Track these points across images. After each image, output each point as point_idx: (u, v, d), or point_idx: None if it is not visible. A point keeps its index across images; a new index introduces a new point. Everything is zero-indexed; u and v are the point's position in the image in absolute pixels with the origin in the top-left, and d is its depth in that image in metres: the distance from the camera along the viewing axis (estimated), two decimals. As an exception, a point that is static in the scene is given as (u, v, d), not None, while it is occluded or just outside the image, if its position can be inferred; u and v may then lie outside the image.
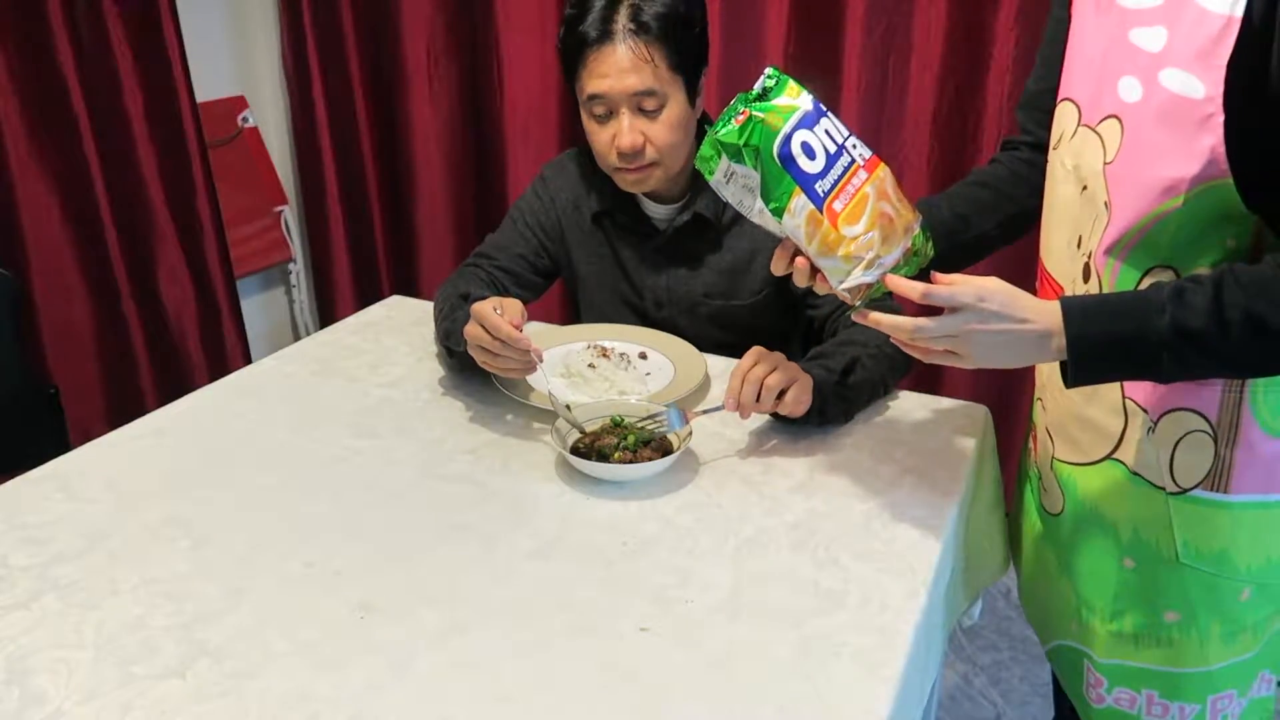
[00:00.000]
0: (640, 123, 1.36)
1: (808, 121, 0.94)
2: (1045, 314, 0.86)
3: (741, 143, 0.93)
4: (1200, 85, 0.80)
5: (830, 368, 1.24)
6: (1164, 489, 0.92)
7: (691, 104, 1.39)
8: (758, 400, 1.16)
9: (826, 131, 0.94)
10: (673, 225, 1.48)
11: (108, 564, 0.98)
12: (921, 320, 0.88)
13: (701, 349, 1.47)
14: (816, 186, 0.93)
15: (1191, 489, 0.91)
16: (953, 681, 2.01)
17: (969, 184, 1.16)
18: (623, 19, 1.31)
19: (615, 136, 1.36)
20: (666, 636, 0.89)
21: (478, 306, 1.19)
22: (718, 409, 1.19)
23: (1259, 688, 1.00)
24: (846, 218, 0.93)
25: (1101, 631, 1.00)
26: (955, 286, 0.87)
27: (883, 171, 0.96)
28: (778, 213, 0.94)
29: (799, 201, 0.93)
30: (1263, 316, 0.79)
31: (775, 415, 1.22)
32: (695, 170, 1.44)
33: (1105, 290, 0.91)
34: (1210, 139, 0.80)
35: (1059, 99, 0.99)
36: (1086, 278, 0.94)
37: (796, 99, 0.94)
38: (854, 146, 0.95)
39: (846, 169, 0.94)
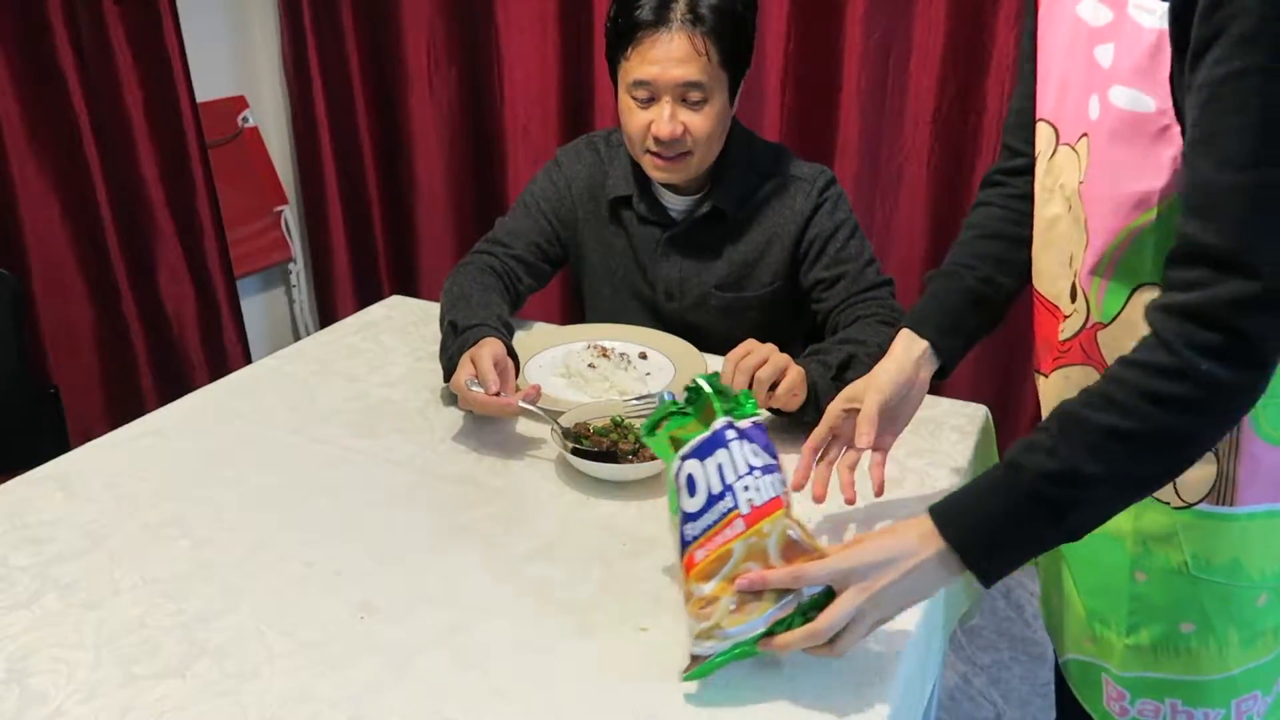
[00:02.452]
0: (682, 113, 1.35)
1: (702, 451, 0.85)
2: (923, 534, 0.82)
3: (654, 444, 0.91)
4: (1149, 99, 0.79)
5: (827, 363, 1.24)
6: (1169, 504, 0.92)
7: (731, 102, 1.39)
8: (751, 389, 1.16)
9: (720, 466, 0.84)
10: (690, 217, 1.49)
11: (108, 564, 0.98)
12: (821, 622, 0.80)
13: (708, 342, 1.47)
14: (687, 529, 0.84)
15: (1197, 503, 0.90)
16: (953, 681, 2.01)
17: (977, 238, 1.08)
18: (681, 7, 1.30)
19: (653, 123, 1.35)
20: (666, 636, 0.89)
21: (455, 384, 1.21)
22: None
23: None
24: (699, 573, 0.82)
25: (1119, 645, 0.99)
26: (824, 561, 0.82)
27: (769, 525, 0.81)
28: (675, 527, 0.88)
29: (677, 534, 0.86)
30: (1115, 426, 0.75)
31: (771, 409, 1.22)
32: (716, 164, 1.45)
33: (1093, 309, 0.90)
34: (1171, 150, 0.78)
35: (1036, 119, 0.97)
36: (1074, 297, 0.93)
37: (707, 423, 0.87)
38: (746, 489, 0.82)
39: (723, 516, 0.82)
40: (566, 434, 1.17)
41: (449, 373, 1.27)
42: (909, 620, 0.92)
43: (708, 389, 0.89)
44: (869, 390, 1.02)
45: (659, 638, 0.89)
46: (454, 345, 1.27)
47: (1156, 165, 0.80)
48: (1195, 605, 0.94)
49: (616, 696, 0.82)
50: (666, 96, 1.34)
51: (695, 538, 0.84)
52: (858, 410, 1.02)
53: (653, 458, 1.14)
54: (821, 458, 1.06)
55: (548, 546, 1.03)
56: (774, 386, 1.17)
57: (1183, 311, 0.74)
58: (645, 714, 0.81)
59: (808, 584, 0.81)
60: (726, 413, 0.87)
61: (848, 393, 1.05)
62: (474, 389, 1.18)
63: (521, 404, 1.19)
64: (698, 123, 1.35)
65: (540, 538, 1.04)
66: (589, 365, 1.39)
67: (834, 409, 1.05)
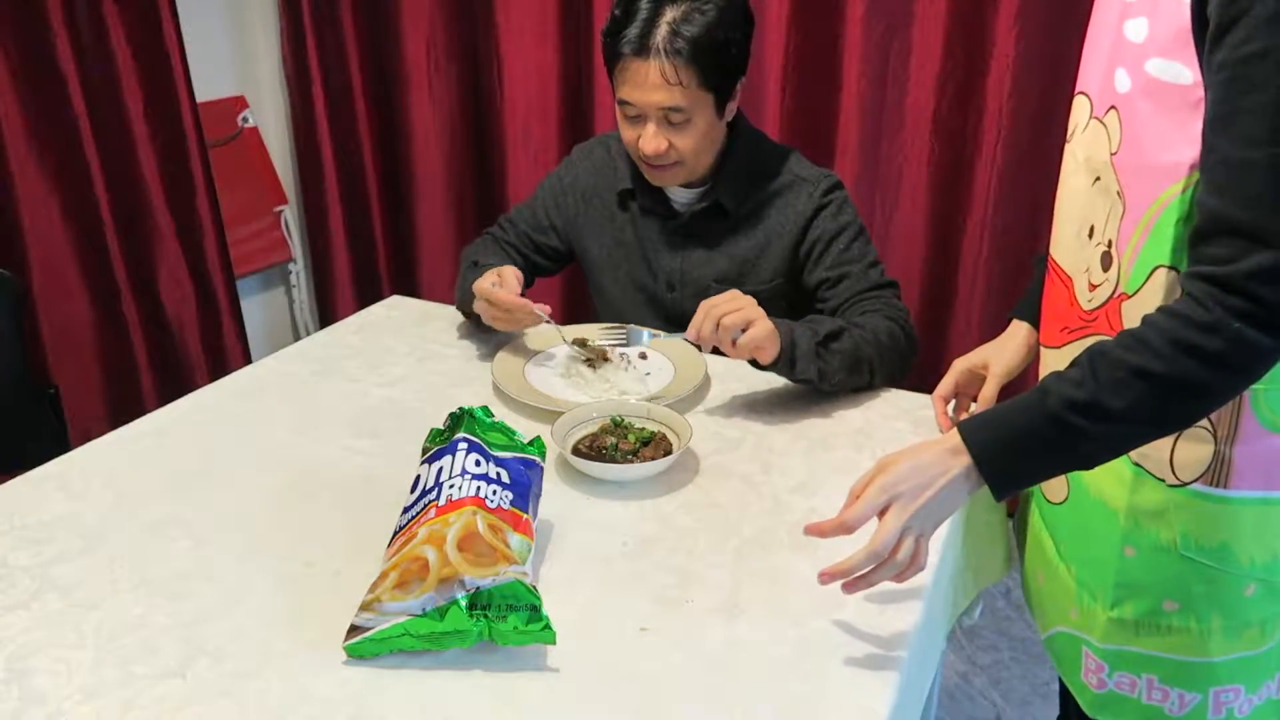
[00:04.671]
0: (666, 131, 1.39)
1: (431, 457, 0.97)
2: (950, 449, 0.87)
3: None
4: (1187, 71, 0.81)
5: (815, 330, 1.29)
6: (1164, 481, 0.93)
7: (720, 113, 1.42)
8: (717, 333, 1.22)
9: (440, 469, 0.94)
10: (691, 210, 1.51)
11: (108, 564, 0.98)
12: (875, 541, 0.85)
13: None
14: (400, 519, 0.93)
15: (1191, 483, 0.91)
16: (953, 681, 2.01)
17: None
18: (661, 36, 1.33)
19: (641, 138, 1.40)
20: (666, 636, 0.89)
21: (478, 285, 1.37)
22: (680, 334, 1.27)
23: (1273, 688, 0.99)
24: (391, 554, 0.88)
25: (1102, 618, 1.00)
26: (866, 487, 0.87)
27: (456, 516, 0.88)
28: None
29: None
30: (1143, 366, 0.79)
31: (752, 363, 1.28)
32: (719, 161, 1.48)
33: (1123, 279, 0.92)
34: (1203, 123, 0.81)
35: (1075, 92, 1.00)
36: (1106, 266, 0.95)
37: (451, 435, 0.99)
38: (452, 486, 0.91)
39: (423, 508, 0.90)
40: (566, 433, 1.18)
41: (465, 303, 1.41)
42: (909, 620, 0.92)
43: (462, 413, 1.00)
44: (993, 375, 1.20)
45: (659, 638, 0.89)
46: (473, 274, 1.41)
47: (1189, 137, 0.82)
48: (1181, 585, 0.95)
49: (616, 696, 0.82)
50: (651, 116, 1.38)
51: (402, 526, 0.91)
52: (980, 376, 1.22)
53: (652, 458, 1.14)
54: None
55: (548, 546, 1.03)
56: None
57: (1213, 279, 0.78)
58: (645, 714, 0.81)
59: (861, 512, 0.86)
60: (474, 435, 0.98)
61: (975, 357, 1.23)
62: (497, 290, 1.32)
63: (537, 311, 1.34)
64: (682, 139, 1.40)
65: (540, 537, 1.04)
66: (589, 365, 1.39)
67: (960, 366, 1.24)
